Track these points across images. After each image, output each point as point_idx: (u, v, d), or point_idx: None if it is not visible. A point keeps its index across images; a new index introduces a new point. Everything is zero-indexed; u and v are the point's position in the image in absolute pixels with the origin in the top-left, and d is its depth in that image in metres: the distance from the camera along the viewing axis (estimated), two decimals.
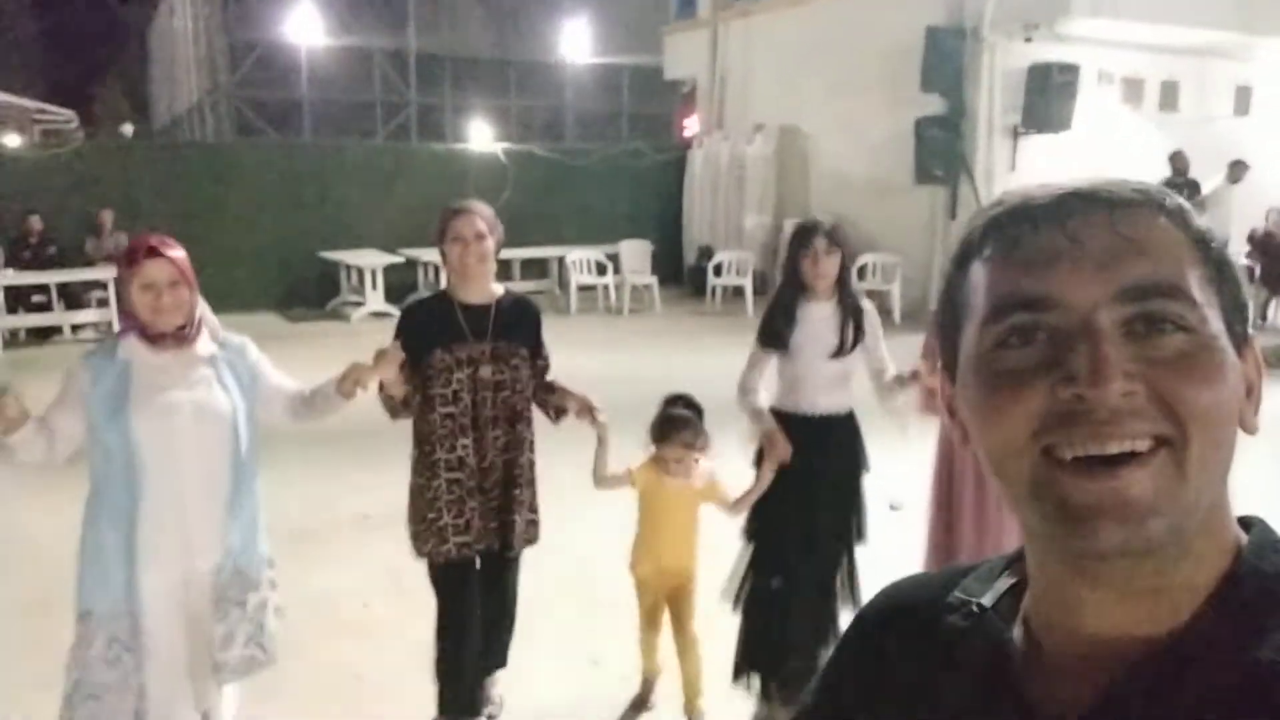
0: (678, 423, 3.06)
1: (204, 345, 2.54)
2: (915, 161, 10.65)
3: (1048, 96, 10.08)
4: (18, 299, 9.95)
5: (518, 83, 22.62)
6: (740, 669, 3.24)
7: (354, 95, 21.02)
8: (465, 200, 2.99)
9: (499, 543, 2.98)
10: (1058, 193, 0.60)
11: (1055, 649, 0.62)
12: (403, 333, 2.89)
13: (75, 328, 10.20)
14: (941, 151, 10.52)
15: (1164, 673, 0.56)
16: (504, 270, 13.21)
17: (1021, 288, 0.59)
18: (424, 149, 14.67)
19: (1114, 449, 0.55)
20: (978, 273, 0.63)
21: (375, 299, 11.23)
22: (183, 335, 2.48)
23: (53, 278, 10.03)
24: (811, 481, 3.11)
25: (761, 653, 3.21)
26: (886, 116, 11.02)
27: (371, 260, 11.33)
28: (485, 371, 2.88)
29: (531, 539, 3.08)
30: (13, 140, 14.21)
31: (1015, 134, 10.60)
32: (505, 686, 3.28)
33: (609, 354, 8.50)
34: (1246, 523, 0.63)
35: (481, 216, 2.90)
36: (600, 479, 3.05)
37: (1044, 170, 10.20)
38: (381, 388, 2.79)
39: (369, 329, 10.84)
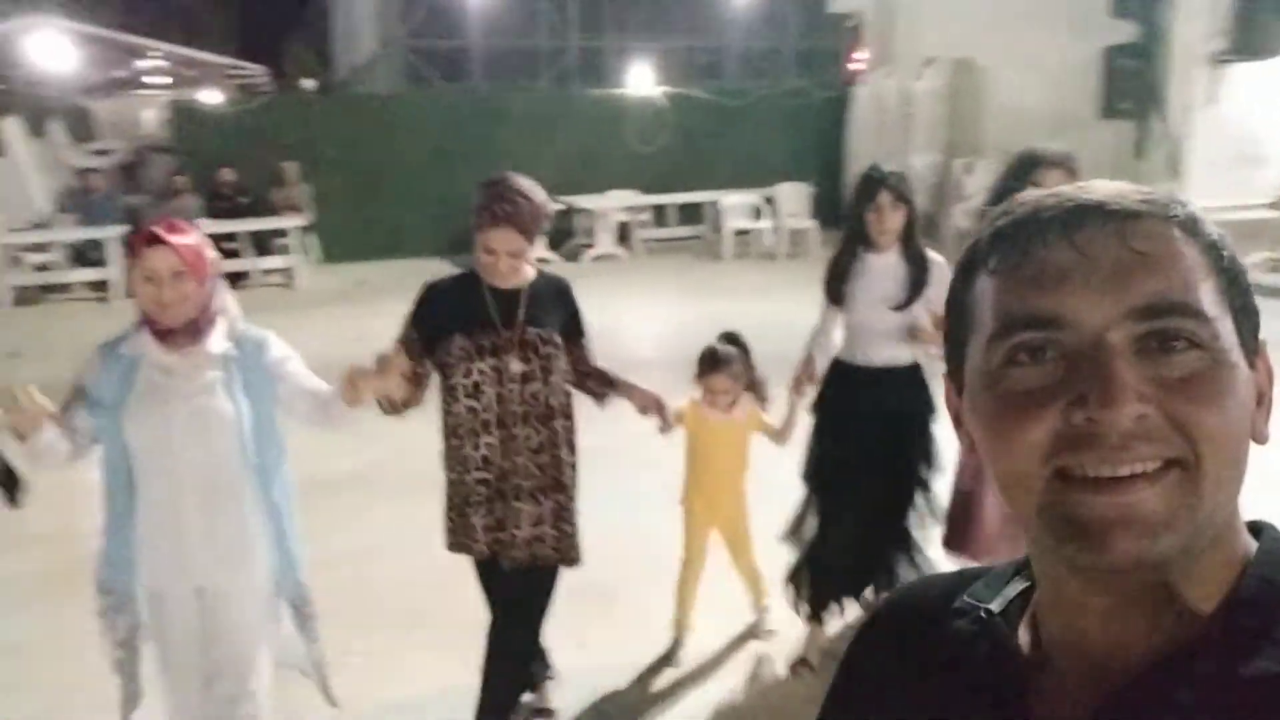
0: (723, 356, 3.19)
1: (217, 343, 2.29)
2: (1102, 94, 9.83)
3: (1261, 16, 9.04)
4: (213, 246, 10.73)
5: (680, 23, 22.32)
6: (795, 592, 3.36)
7: (520, 41, 21.34)
8: (504, 175, 2.73)
9: (532, 555, 2.68)
10: (1067, 204, 0.59)
11: (1061, 657, 0.62)
12: (420, 313, 2.67)
13: (264, 272, 10.93)
14: (1131, 83, 9.70)
15: (1163, 684, 0.56)
16: (658, 216, 13.28)
17: (1030, 305, 0.58)
18: (584, 95, 14.73)
19: (1125, 471, 0.54)
20: (984, 285, 0.61)
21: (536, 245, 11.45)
22: (193, 331, 2.24)
23: (242, 226, 10.75)
24: (869, 428, 3.16)
25: (813, 582, 3.31)
26: (1070, 46, 10.21)
27: None
28: (512, 363, 2.57)
29: (566, 555, 2.73)
30: (210, 96, 15.28)
31: (1216, 62, 9.58)
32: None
33: (761, 302, 8.35)
34: (1256, 527, 0.62)
35: (519, 232, 2.62)
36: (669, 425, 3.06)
37: (1247, 103, 9.21)
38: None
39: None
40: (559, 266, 11.36)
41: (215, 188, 11.17)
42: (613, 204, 11.99)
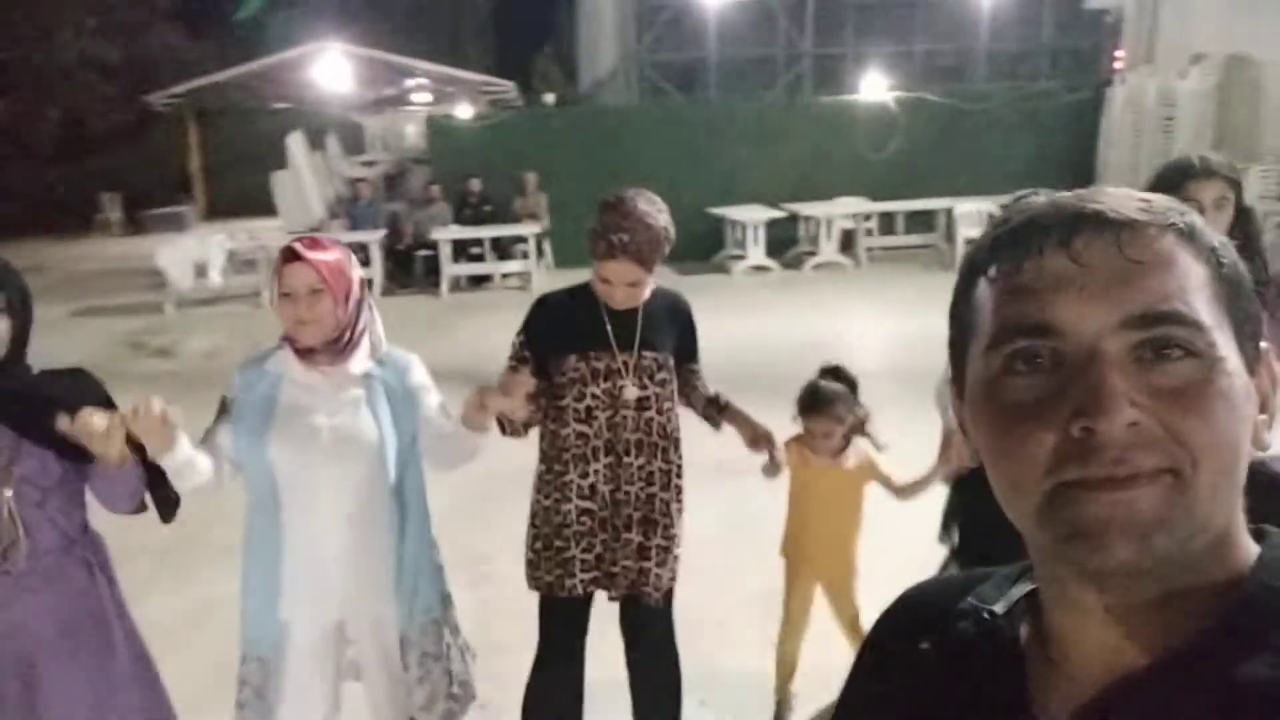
0: (826, 394, 2.77)
1: (359, 362, 2.19)
2: None
3: None
4: (459, 250, 11.60)
5: (924, 25, 21.62)
6: None
7: (756, 50, 21.46)
8: (628, 192, 2.53)
9: (631, 587, 2.48)
10: (1065, 212, 0.59)
11: (1064, 659, 0.62)
12: (533, 330, 2.48)
13: (504, 276, 11.67)
14: None
15: (1160, 687, 0.56)
16: (886, 224, 12.94)
17: (1026, 313, 0.58)
18: (811, 103, 14.62)
19: (1122, 473, 0.55)
20: (983, 293, 0.62)
21: (756, 253, 11.52)
22: (335, 350, 2.15)
23: (487, 232, 11.53)
24: None
25: None
26: None
27: (754, 215, 11.61)
28: (628, 389, 2.40)
29: (667, 590, 2.53)
30: (464, 111, 16.49)
31: None
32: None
33: None
34: (1261, 533, 0.62)
35: (640, 265, 2.42)
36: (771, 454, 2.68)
37: None
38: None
39: (749, 283, 11.18)
40: (780, 275, 11.35)
41: (464, 196, 12.05)
42: (839, 210, 11.82)
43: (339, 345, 2.15)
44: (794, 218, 11.79)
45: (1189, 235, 0.59)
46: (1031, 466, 0.57)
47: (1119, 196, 0.60)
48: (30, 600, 2.02)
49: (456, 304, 10.76)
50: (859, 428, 2.82)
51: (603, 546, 2.45)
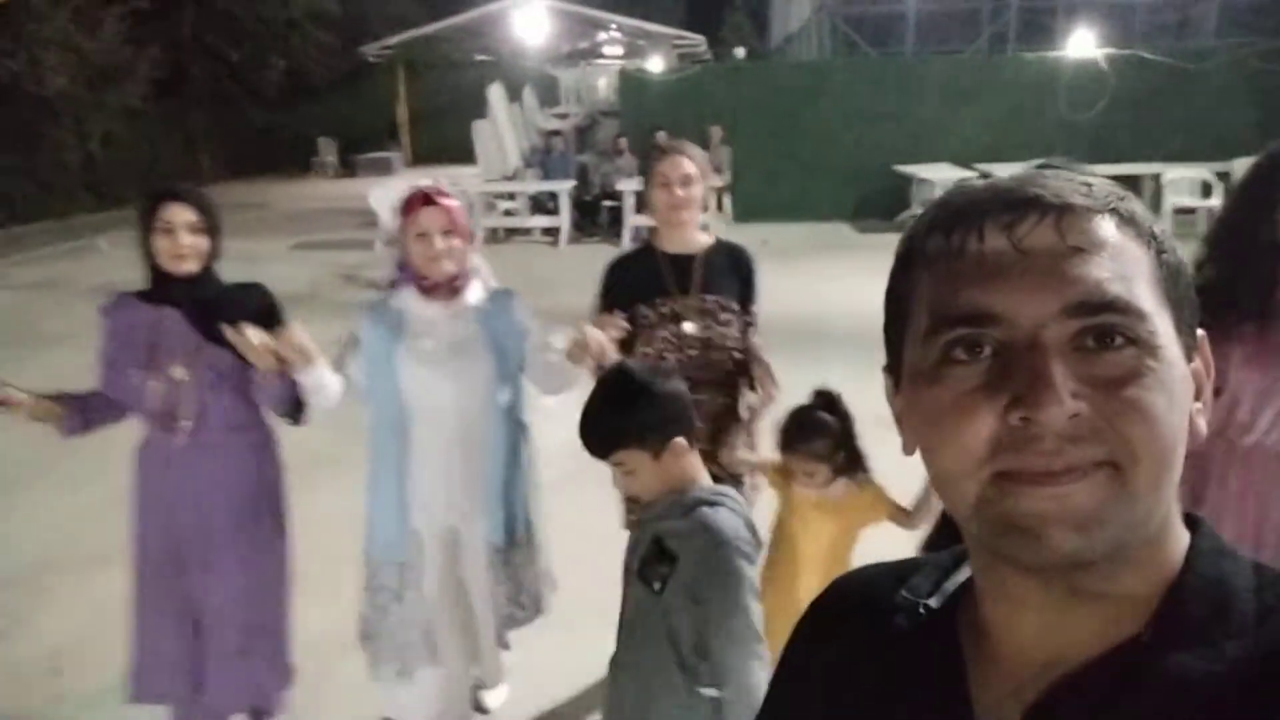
0: (808, 428, 2.42)
1: (472, 297, 2.50)
2: None
3: None
4: (643, 202, 11.91)
5: None
6: None
7: (957, 2, 20.54)
8: (676, 140, 2.73)
9: None
10: (1004, 195, 0.58)
11: (1003, 654, 0.61)
12: (608, 289, 2.71)
13: None
14: None
15: (1097, 681, 0.55)
16: None
17: (965, 300, 0.57)
18: (1012, 59, 13.96)
19: (1060, 466, 0.54)
20: (921, 278, 0.61)
21: None
22: (454, 285, 2.45)
23: None
24: None
25: None
26: None
27: (943, 174, 11.32)
28: (689, 327, 2.60)
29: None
30: (655, 65, 16.74)
31: None
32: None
33: None
34: (1192, 521, 0.60)
35: (691, 158, 2.62)
36: (732, 458, 2.63)
37: None
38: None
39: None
40: None
41: (651, 149, 12.32)
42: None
43: (457, 281, 2.46)
44: (985, 178, 11.38)
45: (1129, 220, 0.58)
46: (968, 456, 0.56)
47: (1059, 180, 0.58)
48: (203, 467, 2.45)
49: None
50: (846, 469, 2.45)
51: None
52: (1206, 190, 10.60)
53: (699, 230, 2.73)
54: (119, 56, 17.83)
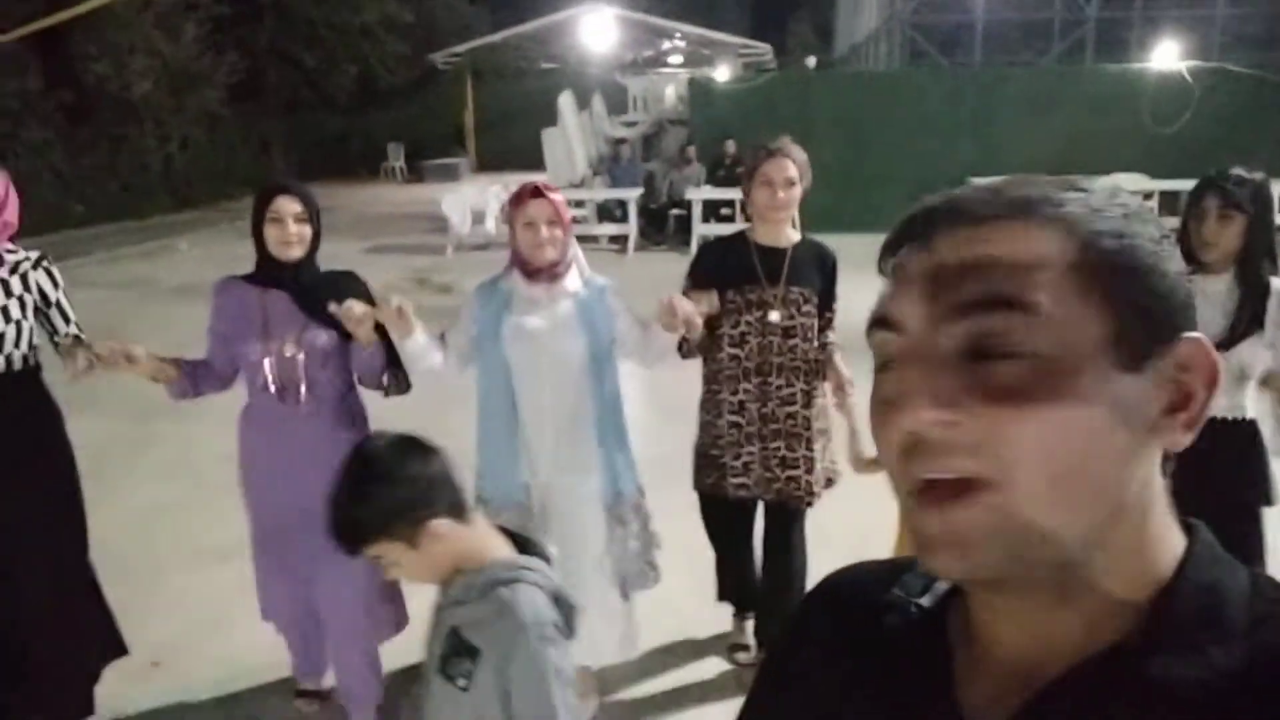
0: None
1: (572, 282, 2.72)
2: None
3: None
4: (710, 210, 11.90)
5: None
6: None
7: (1028, 13, 20.22)
8: (781, 141, 2.85)
9: (777, 496, 2.91)
10: (930, 207, 0.58)
11: (990, 658, 0.59)
12: (698, 269, 2.91)
13: None
14: None
15: (1082, 686, 0.54)
16: (1169, 203, 12.06)
17: (879, 308, 0.59)
18: (1092, 70, 13.71)
19: (934, 475, 0.53)
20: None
21: None
22: (555, 271, 2.67)
23: (736, 194, 11.71)
24: (1186, 504, 2.36)
25: None
26: None
27: None
28: (774, 316, 2.81)
29: (807, 494, 2.91)
30: (721, 73, 16.71)
31: None
32: None
33: None
34: (1187, 526, 0.59)
35: (794, 161, 2.80)
36: (858, 463, 2.75)
37: None
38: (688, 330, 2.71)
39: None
40: None
41: (719, 158, 12.31)
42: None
43: (558, 267, 2.69)
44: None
45: (1062, 224, 0.54)
46: (891, 464, 0.57)
47: (983, 187, 0.58)
48: (315, 431, 2.67)
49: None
50: None
51: (750, 456, 2.90)
52: None
53: (791, 227, 2.92)
54: (199, 62, 18.34)
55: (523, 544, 1.70)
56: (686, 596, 3.42)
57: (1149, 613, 0.54)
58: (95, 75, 16.62)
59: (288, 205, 2.62)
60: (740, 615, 3.31)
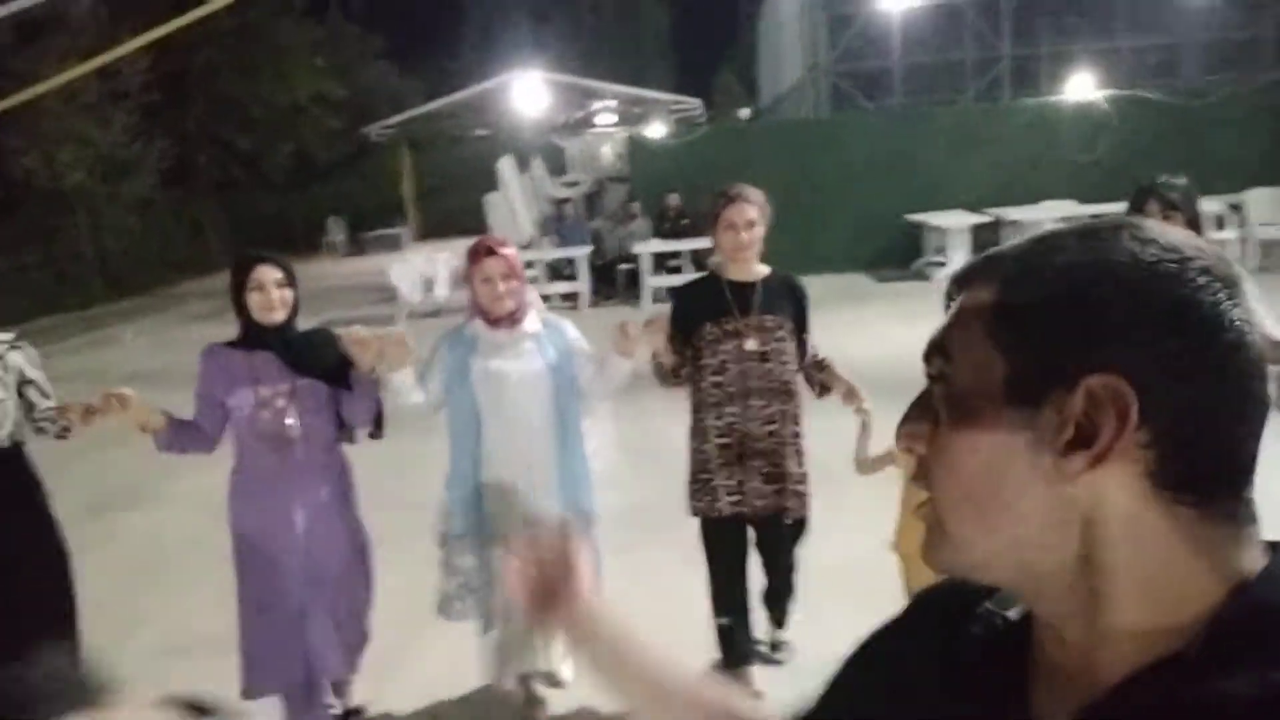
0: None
1: (531, 324, 2.97)
2: None
3: None
4: (659, 263, 12.04)
5: (1129, 19, 20.55)
6: None
7: (944, 55, 21.01)
8: (738, 186, 3.07)
9: (770, 510, 3.11)
10: (964, 267, 0.65)
11: (1057, 668, 0.61)
12: (677, 310, 3.13)
13: None
14: None
15: (1131, 700, 0.54)
16: None
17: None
18: (1013, 106, 14.27)
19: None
20: None
21: (959, 259, 11.34)
22: (514, 318, 2.92)
23: (685, 245, 11.90)
24: None
25: None
26: None
27: (956, 221, 11.46)
28: (750, 344, 3.02)
29: (798, 511, 3.15)
30: (655, 130, 17.03)
31: None
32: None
33: None
34: (1274, 546, 0.58)
35: (753, 203, 3.02)
36: (862, 464, 2.97)
37: None
38: (654, 354, 3.03)
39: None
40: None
41: (662, 211, 12.50)
42: (1046, 215, 11.48)
43: (517, 315, 2.94)
44: (997, 223, 11.55)
45: (992, 277, 0.60)
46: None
47: (998, 252, 0.63)
48: (308, 478, 2.88)
49: (657, 314, 11.18)
50: None
51: (740, 475, 3.08)
52: (1219, 222, 10.71)
53: (759, 263, 3.14)
54: (130, 150, 18.16)
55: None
56: (678, 651, 3.38)
57: (1206, 628, 0.54)
58: (23, 168, 16.35)
59: (269, 273, 2.81)
60: (733, 669, 3.23)
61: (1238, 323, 0.54)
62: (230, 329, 2.98)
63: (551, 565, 0.97)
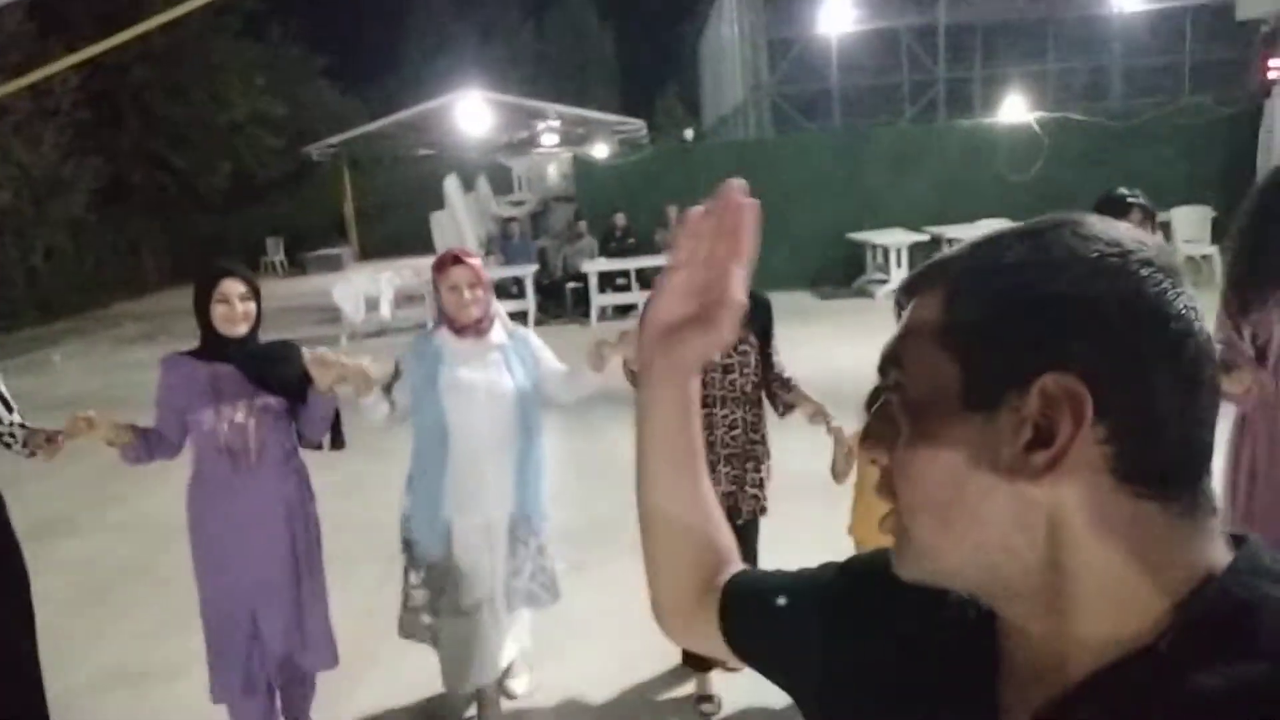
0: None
1: (496, 334, 3.04)
2: None
3: None
4: (606, 281, 12.08)
5: (1057, 44, 21.25)
6: None
7: (881, 78, 21.49)
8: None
9: (733, 507, 3.18)
10: (910, 276, 0.65)
11: (1024, 659, 0.61)
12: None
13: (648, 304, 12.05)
14: None
15: (1099, 691, 0.55)
16: None
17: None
18: (949, 127, 14.62)
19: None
20: None
21: (900, 276, 11.57)
22: (480, 327, 2.99)
23: (631, 264, 11.97)
24: None
25: None
26: None
27: (897, 239, 11.70)
28: (713, 355, 3.07)
29: (757, 507, 3.24)
30: (599, 150, 17.11)
31: None
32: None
33: None
34: (1239, 539, 0.58)
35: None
36: (840, 475, 3.04)
37: None
38: (625, 362, 3.05)
39: (892, 305, 11.24)
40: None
41: (609, 230, 12.55)
42: (982, 233, 11.78)
43: (483, 323, 3.01)
44: (936, 241, 11.81)
45: (940, 285, 0.60)
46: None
47: (949, 255, 0.62)
48: (265, 489, 2.89)
49: (605, 332, 11.16)
50: None
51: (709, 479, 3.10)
52: None
53: None
54: (61, 169, 17.68)
55: None
56: (643, 660, 3.49)
57: (1175, 622, 0.54)
58: None
59: (233, 286, 2.84)
60: (700, 669, 3.35)
61: (1184, 311, 0.54)
62: (164, 350, 3.02)
63: (722, 248, 0.81)
